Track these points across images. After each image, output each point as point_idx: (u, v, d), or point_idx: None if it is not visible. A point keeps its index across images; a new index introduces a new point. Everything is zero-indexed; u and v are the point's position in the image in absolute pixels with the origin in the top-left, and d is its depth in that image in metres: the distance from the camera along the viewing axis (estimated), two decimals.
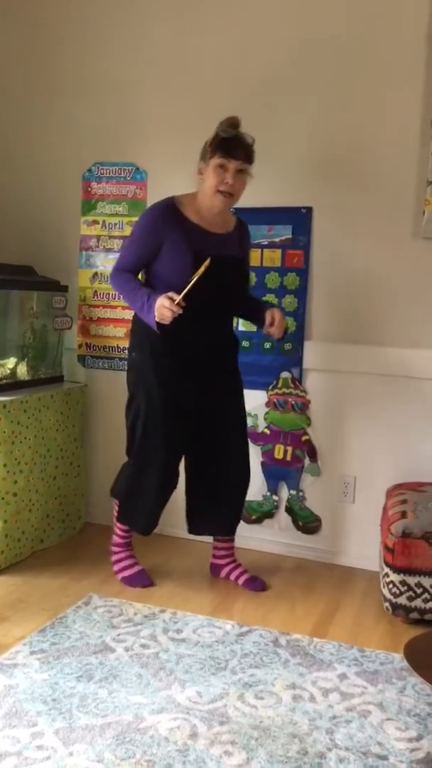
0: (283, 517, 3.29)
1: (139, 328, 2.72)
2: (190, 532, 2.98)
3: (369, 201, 3.03)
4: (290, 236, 3.16)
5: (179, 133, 3.29)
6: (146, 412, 2.71)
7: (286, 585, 2.93)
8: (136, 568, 2.89)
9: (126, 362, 3.43)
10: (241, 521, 3.31)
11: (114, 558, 2.93)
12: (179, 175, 3.32)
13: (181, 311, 2.48)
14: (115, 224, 3.44)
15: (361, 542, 3.13)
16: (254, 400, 3.26)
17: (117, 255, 2.90)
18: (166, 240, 2.60)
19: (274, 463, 3.27)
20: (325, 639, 2.47)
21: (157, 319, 2.53)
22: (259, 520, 3.31)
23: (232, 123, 2.57)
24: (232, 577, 2.94)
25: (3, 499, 2.93)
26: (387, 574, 2.59)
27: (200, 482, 2.88)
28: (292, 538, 3.26)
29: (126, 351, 3.44)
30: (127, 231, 3.41)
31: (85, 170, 3.47)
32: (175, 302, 2.48)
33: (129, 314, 3.40)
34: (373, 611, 2.71)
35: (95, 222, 3.47)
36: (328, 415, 3.18)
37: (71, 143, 3.49)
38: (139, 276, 2.74)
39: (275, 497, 3.28)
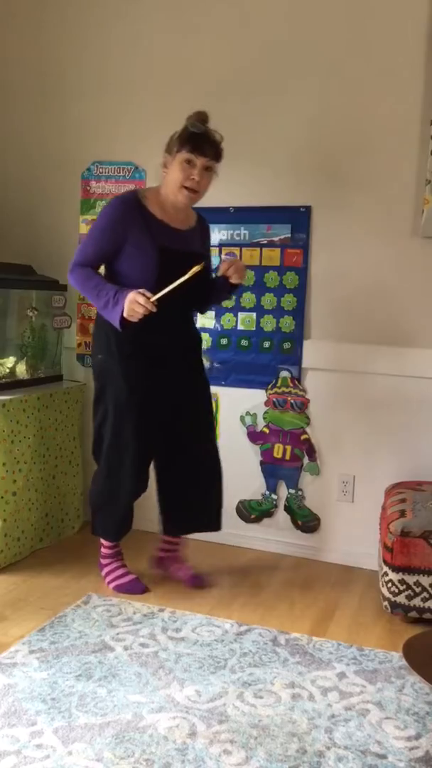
0: (282, 516, 3.29)
1: (103, 329, 2.62)
2: (168, 533, 2.91)
3: (368, 200, 3.03)
4: (289, 235, 3.16)
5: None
6: (115, 415, 2.64)
7: (285, 584, 2.94)
8: (129, 577, 2.82)
9: None
10: (241, 520, 3.33)
11: (105, 570, 2.86)
12: None
13: (154, 310, 2.42)
14: None
15: (360, 541, 3.13)
16: (253, 399, 3.27)
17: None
18: (130, 235, 2.52)
19: (273, 462, 3.27)
20: (324, 638, 2.47)
21: (125, 315, 2.43)
22: (258, 519, 3.32)
23: (202, 118, 2.52)
24: (177, 573, 2.92)
25: (2, 498, 2.93)
26: (386, 573, 2.60)
27: (176, 482, 2.82)
28: (291, 536, 3.27)
29: None
30: None
31: (84, 169, 3.47)
32: (150, 300, 2.41)
33: None
34: (371, 610, 2.72)
35: (93, 220, 3.46)
36: (327, 414, 3.18)
37: (70, 142, 3.48)
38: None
39: (274, 496, 3.28)
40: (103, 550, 2.88)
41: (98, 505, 2.80)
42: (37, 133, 3.55)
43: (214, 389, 3.31)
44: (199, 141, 2.48)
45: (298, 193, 3.13)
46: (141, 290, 2.44)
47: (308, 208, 3.13)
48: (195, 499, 2.83)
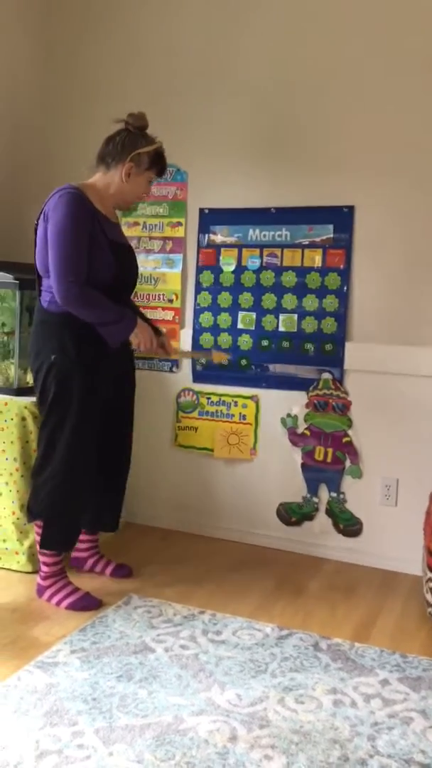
0: (323, 519, 3.25)
1: (57, 329, 2.51)
2: (103, 529, 2.91)
3: (414, 198, 2.99)
4: (331, 236, 3.13)
5: (219, 134, 3.30)
6: (76, 416, 2.52)
7: (326, 588, 2.91)
8: (80, 593, 2.64)
9: (170, 364, 3.44)
10: (281, 523, 3.30)
11: (49, 593, 2.65)
12: (219, 175, 3.33)
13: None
14: (156, 225, 3.45)
15: (404, 546, 3.08)
16: (295, 402, 3.24)
17: (64, 264, 2.44)
18: (92, 233, 2.48)
19: (314, 465, 3.24)
20: (367, 644, 2.44)
21: (133, 340, 2.55)
22: (298, 522, 3.29)
23: (145, 122, 2.59)
24: (98, 569, 2.90)
25: None
26: (430, 579, 2.55)
27: (113, 479, 2.82)
28: (333, 540, 3.23)
29: None
30: (168, 232, 3.43)
31: None
32: (168, 352, 2.74)
33: (168, 315, 3.42)
34: (415, 616, 2.67)
35: (136, 223, 3.49)
36: (369, 417, 3.14)
37: None
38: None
39: (315, 499, 3.25)
40: (45, 569, 2.66)
41: (52, 516, 2.59)
42: (78, 136, 3.58)
43: (255, 391, 3.31)
44: (164, 165, 2.66)
45: (341, 192, 3.10)
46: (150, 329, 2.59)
47: (351, 208, 3.09)
48: (119, 497, 2.86)
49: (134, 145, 2.56)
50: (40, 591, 2.68)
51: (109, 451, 2.77)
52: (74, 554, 2.94)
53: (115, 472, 2.83)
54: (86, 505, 2.72)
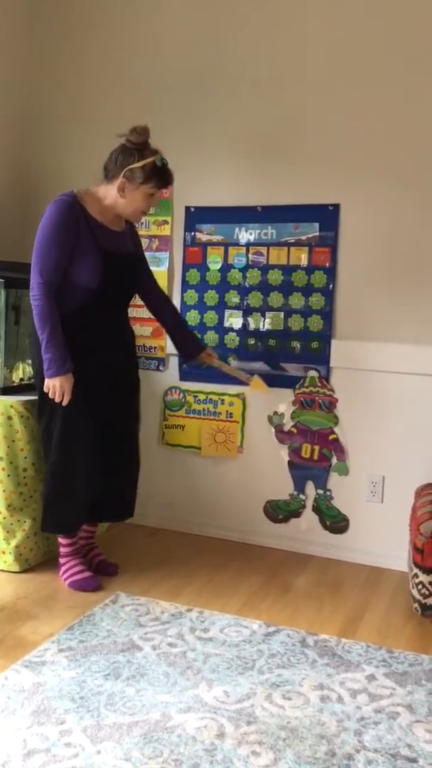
0: (310, 517, 3.27)
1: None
2: (104, 520, 3.03)
3: (399, 196, 3.00)
4: (317, 234, 3.14)
5: (206, 132, 3.30)
6: (64, 408, 2.63)
7: (313, 585, 2.92)
8: (84, 573, 2.79)
9: (157, 363, 3.44)
10: (268, 520, 3.31)
11: (62, 569, 2.83)
12: (206, 174, 3.33)
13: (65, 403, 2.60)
14: (141, 224, 3.44)
15: (390, 542, 3.10)
16: (281, 399, 3.25)
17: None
18: (79, 239, 2.57)
19: (301, 462, 3.25)
20: (353, 639, 2.45)
21: (48, 390, 2.58)
22: (285, 519, 3.30)
23: (146, 133, 2.59)
24: (89, 560, 2.95)
25: (32, 497, 2.95)
26: (416, 575, 2.57)
27: (112, 470, 2.82)
28: (320, 537, 3.25)
29: (153, 350, 3.46)
30: (154, 230, 3.43)
31: None
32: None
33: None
34: (401, 612, 2.69)
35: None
36: (355, 414, 3.15)
37: (99, 141, 3.49)
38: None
39: (302, 496, 3.27)
40: (61, 549, 2.85)
41: (52, 501, 2.74)
42: (69, 135, 3.57)
43: (242, 389, 3.32)
44: (165, 176, 2.63)
45: (327, 191, 3.11)
46: (71, 382, 2.58)
47: (337, 206, 3.10)
48: (126, 487, 2.89)
49: (127, 161, 2.59)
50: (59, 569, 2.85)
51: (117, 444, 2.81)
52: None
53: (124, 463, 2.86)
54: (90, 493, 2.75)
